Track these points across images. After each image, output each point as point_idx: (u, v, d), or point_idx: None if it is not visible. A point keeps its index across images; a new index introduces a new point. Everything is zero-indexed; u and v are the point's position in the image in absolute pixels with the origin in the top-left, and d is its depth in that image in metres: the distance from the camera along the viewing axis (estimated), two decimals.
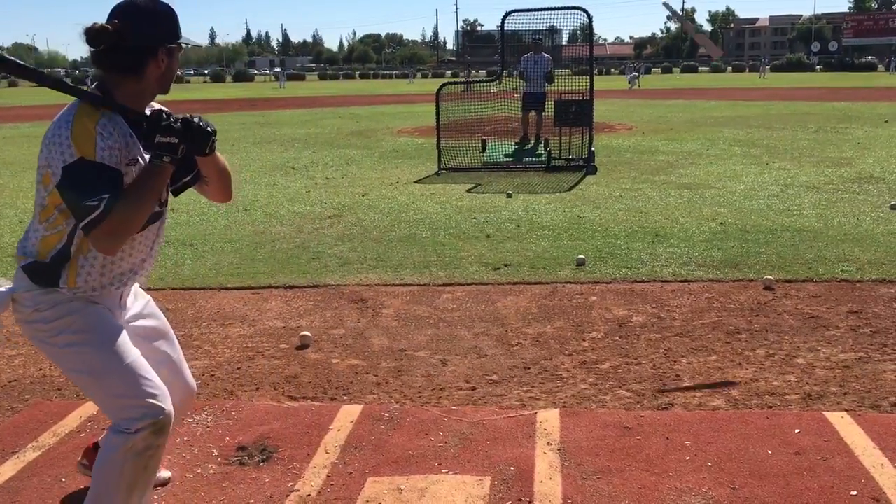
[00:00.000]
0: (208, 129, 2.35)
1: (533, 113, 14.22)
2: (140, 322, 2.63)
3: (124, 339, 2.43)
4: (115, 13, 2.32)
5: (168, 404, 2.41)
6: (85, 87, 2.38)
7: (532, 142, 14.22)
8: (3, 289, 2.44)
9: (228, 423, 3.55)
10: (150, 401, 2.37)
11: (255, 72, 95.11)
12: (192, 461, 3.20)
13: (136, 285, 2.67)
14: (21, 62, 2.39)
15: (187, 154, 2.36)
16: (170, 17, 2.37)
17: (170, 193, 2.57)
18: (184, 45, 2.44)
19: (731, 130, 17.10)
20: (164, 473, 3.03)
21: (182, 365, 2.75)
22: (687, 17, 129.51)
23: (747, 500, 2.82)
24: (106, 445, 2.42)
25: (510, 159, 12.71)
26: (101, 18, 2.34)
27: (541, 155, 12.57)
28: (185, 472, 3.11)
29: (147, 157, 2.32)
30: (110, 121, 2.28)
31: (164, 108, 2.42)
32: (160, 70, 2.36)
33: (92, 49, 2.30)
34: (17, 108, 33.42)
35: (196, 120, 2.32)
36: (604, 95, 27.51)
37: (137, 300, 2.67)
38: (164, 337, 2.70)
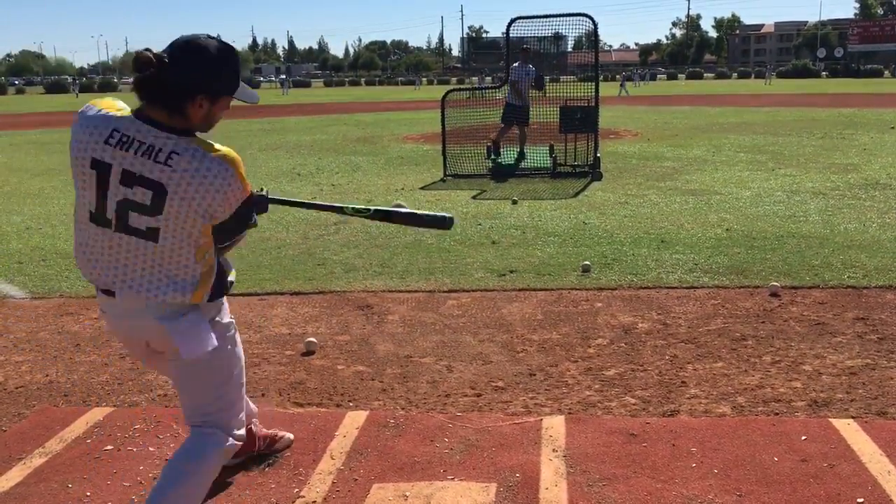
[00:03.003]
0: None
1: (515, 127, 13.49)
2: None
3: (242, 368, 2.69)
4: (171, 45, 2.28)
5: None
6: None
7: (501, 152, 13.41)
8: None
9: None
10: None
11: (261, 79, 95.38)
12: None
13: None
14: (283, 198, 2.91)
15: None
16: (222, 65, 2.31)
17: None
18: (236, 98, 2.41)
19: (736, 137, 17.09)
20: (288, 435, 3.38)
21: None
22: (692, 23, 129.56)
23: None
24: (207, 445, 2.56)
25: (514, 166, 12.69)
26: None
27: (510, 164, 12.30)
28: None
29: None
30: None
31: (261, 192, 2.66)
32: (198, 116, 2.31)
33: (136, 75, 2.26)
34: (25, 115, 33.59)
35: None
36: (609, 102, 27.52)
37: None
38: None
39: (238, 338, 2.66)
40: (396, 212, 3.01)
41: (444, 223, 3.02)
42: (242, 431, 2.68)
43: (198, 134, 2.36)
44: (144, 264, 2.33)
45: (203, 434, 2.56)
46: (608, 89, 35.33)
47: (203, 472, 2.53)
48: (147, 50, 2.26)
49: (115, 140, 2.24)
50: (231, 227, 2.43)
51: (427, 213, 3.10)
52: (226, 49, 2.32)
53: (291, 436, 3.38)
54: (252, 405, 3.16)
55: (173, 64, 2.23)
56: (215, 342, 2.43)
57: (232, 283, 2.61)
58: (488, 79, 47.92)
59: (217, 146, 2.32)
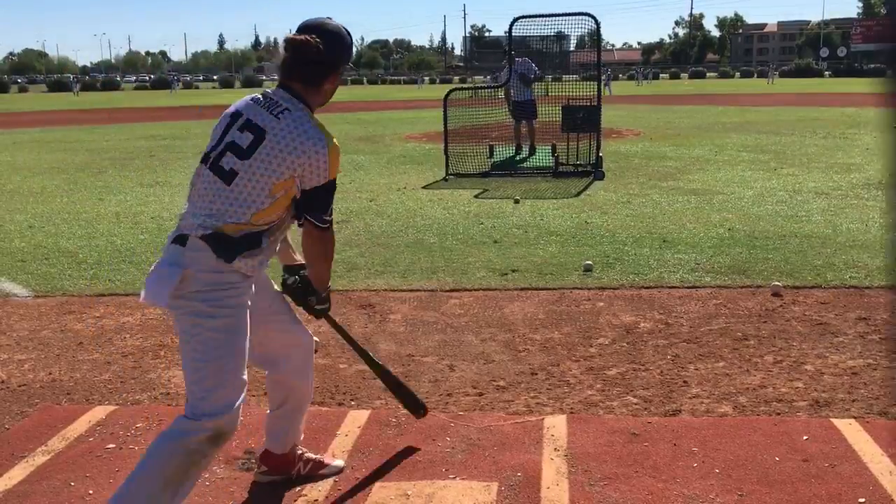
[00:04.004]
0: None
1: (524, 122, 13.91)
2: (259, 286, 2.76)
3: (245, 345, 2.57)
4: (310, 29, 2.60)
5: (237, 420, 2.55)
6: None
7: (526, 151, 14.04)
8: (172, 267, 2.49)
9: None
10: (229, 409, 2.50)
11: (264, 77, 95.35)
12: None
13: None
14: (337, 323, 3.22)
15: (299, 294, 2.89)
16: (349, 41, 2.68)
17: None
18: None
19: (739, 136, 17.08)
20: (337, 462, 3.19)
21: (293, 315, 2.93)
22: (695, 22, 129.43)
23: None
24: (165, 434, 2.51)
25: (517, 165, 12.70)
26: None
27: (531, 163, 12.45)
28: None
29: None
30: None
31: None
32: (334, 86, 2.69)
33: (290, 59, 2.58)
34: (28, 113, 33.63)
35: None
36: (611, 101, 27.51)
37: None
38: (275, 296, 2.89)
39: (242, 329, 2.56)
40: (388, 372, 3.37)
41: (417, 410, 3.38)
42: (218, 420, 2.48)
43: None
44: (212, 204, 2.51)
45: (175, 420, 2.53)
46: (612, 88, 35.35)
47: (154, 456, 2.47)
48: (299, 36, 2.56)
49: (259, 100, 2.62)
50: (306, 202, 2.58)
51: (410, 392, 3.39)
52: (343, 29, 2.67)
53: (342, 463, 3.18)
54: (302, 425, 3.05)
55: (325, 44, 2.56)
56: (164, 301, 2.46)
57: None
58: (488, 77, 47.75)
59: (326, 128, 2.58)
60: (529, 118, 13.78)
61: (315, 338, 4.59)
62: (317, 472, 3.09)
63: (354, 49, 2.81)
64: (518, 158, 13.61)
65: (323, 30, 2.59)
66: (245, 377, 2.57)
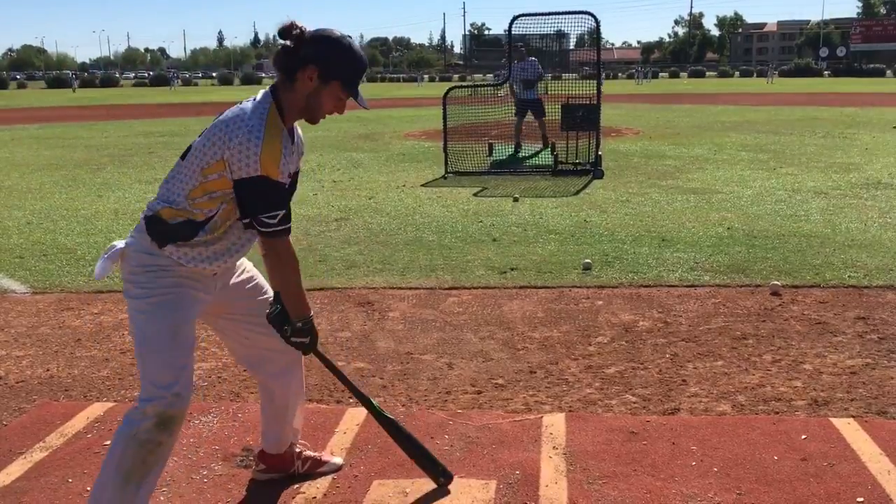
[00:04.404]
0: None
1: (531, 118, 14.03)
2: (234, 290, 2.77)
3: (184, 328, 2.54)
4: (318, 30, 2.53)
5: (184, 403, 2.51)
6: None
7: (524, 147, 14.02)
8: (117, 244, 2.56)
9: (235, 424, 3.56)
10: (171, 392, 2.46)
11: (263, 75, 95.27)
12: (199, 462, 3.21)
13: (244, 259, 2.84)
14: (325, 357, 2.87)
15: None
16: (344, 57, 2.50)
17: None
18: (344, 92, 2.56)
19: (738, 135, 17.07)
20: (336, 460, 3.16)
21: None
22: (695, 21, 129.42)
23: None
24: (118, 428, 2.53)
25: (517, 163, 12.71)
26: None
27: (534, 161, 12.49)
28: (191, 474, 3.12)
29: (293, 170, 2.62)
30: (287, 138, 2.52)
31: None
32: (307, 88, 2.49)
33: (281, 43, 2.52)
34: (26, 109, 33.59)
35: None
36: (611, 100, 27.49)
37: (241, 271, 2.84)
38: (258, 304, 2.81)
39: (178, 309, 2.52)
40: (406, 434, 2.99)
41: (438, 478, 2.96)
42: (158, 404, 2.46)
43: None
44: (164, 184, 2.56)
45: (125, 412, 2.56)
46: (611, 87, 35.24)
47: (111, 452, 2.50)
48: (293, 21, 2.50)
49: None
50: (242, 196, 2.47)
51: (433, 459, 2.98)
52: (351, 43, 2.53)
53: (340, 460, 3.17)
54: (297, 424, 3.02)
55: (310, 38, 2.49)
56: (99, 274, 2.52)
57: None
58: (489, 76, 47.91)
59: (277, 123, 2.47)
60: (538, 116, 13.88)
61: None
62: (315, 469, 3.09)
63: (360, 78, 2.60)
64: (520, 156, 13.67)
65: (320, 32, 2.52)
66: (186, 360, 2.53)
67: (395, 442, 2.99)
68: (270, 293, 2.78)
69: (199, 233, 2.51)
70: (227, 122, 2.45)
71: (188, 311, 2.56)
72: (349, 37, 2.53)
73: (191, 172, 2.48)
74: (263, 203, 2.46)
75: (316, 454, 3.14)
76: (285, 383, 2.89)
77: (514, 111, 13.90)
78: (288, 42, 2.48)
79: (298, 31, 2.47)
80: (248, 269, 2.87)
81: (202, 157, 2.46)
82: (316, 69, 2.47)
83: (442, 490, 2.95)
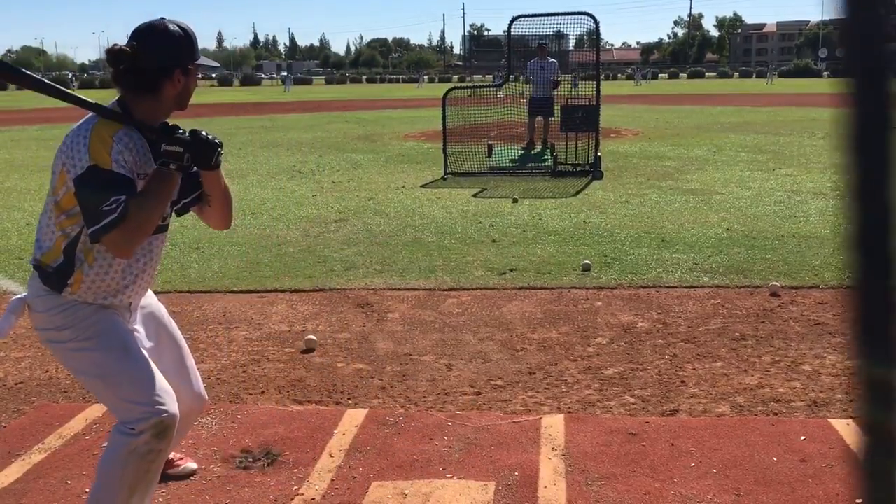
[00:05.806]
0: (215, 141, 2.47)
1: (540, 118, 14.18)
2: (149, 328, 2.67)
3: (132, 343, 2.49)
4: (134, 35, 2.45)
5: (173, 407, 2.44)
6: (108, 105, 2.48)
7: (539, 147, 14.20)
8: (18, 296, 2.52)
9: (233, 426, 3.56)
10: (155, 405, 2.40)
11: (263, 76, 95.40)
12: (197, 464, 3.21)
13: (149, 292, 2.72)
14: (43, 80, 2.60)
15: (193, 164, 2.46)
16: (184, 40, 2.48)
17: (173, 213, 2.63)
18: (200, 65, 2.55)
19: (737, 136, 17.08)
20: (190, 465, 3.12)
21: (192, 372, 2.79)
22: (694, 22, 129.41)
23: None
24: (110, 445, 2.47)
25: (516, 164, 12.73)
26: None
27: (546, 160, 12.57)
28: (189, 475, 3.12)
29: (148, 171, 2.44)
30: (127, 134, 2.38)
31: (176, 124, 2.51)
32: (176, 89, 2.47)
33: (111, 69, 2.44)
34: (25, 111, 33.57)
35: (203, 133, 2.45)
36: (610, 101, 27.49)
37: (147, 307, 2.71)
38: (173, 343, 2.74)
39: (115, 331, 2.46)
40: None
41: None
42: (143, 412, 2.38)
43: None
44: (37, 230, 2.49)
45: (112, 429, 2.49)
46: (610, 88, 35.26)
47: (110, 470, 2.43)
48: (115, 45, 2.43)
49: None
50: (81, 198, 2.30)
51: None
52: (181, 26, 2.49)
53: (194, 465, 3.13)
54: (197, 389, 2.83)
55: (143, 49, 2.40)
56: (1, 327, 2.48)
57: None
58: (488, 77, 48.12)
59: (112, 123, 2.37)
60: (546, 115, 13.95)
61: (312, 336, 4.60)
62: (167, 471, 2.93)
63: (198, 45, 2.53)
64: (533, 153, 13.82)
65: (147, 34, 2.42)
66: (152, 370, 2.45)
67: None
68: (184, 345, 2.77)
69: (76, 262, 2.39)
70: (66, 137, 2.41)
71: (123, 328, 2.49)
72: (162, 18, 2.48)
73: (48, 202, 2.43)
74: (96, 198, 2.25)
75: (171, 455, 2.99)
76: (185, 424, 2.75)
77: (513, 111, 13.90)
78: (122, 66, 2.39)
79: (131, 55, 2.38)
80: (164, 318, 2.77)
81: (51, 181, 2.41)
82: (178, 69, 2.44)
83: (440, 491, 2.94)
